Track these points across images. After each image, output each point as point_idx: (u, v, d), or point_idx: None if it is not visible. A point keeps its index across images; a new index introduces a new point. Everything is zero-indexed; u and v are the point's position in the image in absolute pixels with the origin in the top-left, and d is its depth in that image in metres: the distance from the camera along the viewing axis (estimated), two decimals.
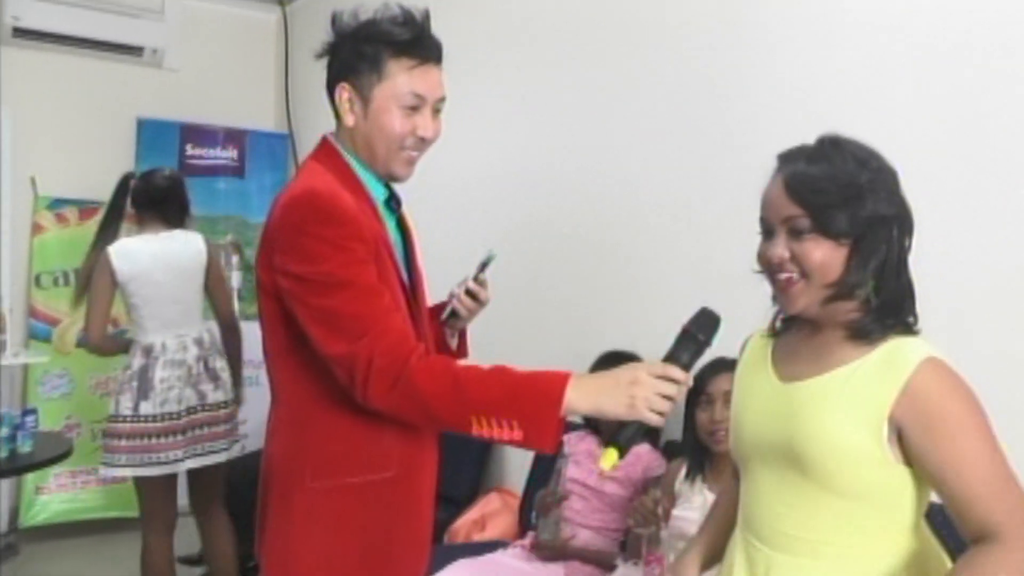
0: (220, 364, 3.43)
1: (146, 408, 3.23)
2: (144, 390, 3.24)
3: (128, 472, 3.26)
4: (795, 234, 1.39)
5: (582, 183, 3.36)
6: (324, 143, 1.76)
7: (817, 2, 2.56)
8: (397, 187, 1.80)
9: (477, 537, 3.32)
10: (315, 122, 5.15)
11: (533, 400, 1.46)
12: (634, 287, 3.15)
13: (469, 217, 3.71)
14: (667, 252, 3.03)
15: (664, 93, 3.03)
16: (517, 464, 3.54)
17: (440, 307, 1.94)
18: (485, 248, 1.95)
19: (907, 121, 2.30)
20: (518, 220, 3.61)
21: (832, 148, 1.41)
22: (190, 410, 3.30)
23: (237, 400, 3.52)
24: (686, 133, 2.95)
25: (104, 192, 4.82)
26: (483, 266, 1.91)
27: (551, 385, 1.47)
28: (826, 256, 1.37)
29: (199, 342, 3.39)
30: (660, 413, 1.44)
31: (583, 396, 1.46)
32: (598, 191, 3.29)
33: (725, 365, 2.29)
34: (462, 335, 1.99)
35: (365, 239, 1.59)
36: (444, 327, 1.94)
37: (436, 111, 1.71)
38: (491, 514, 3.40)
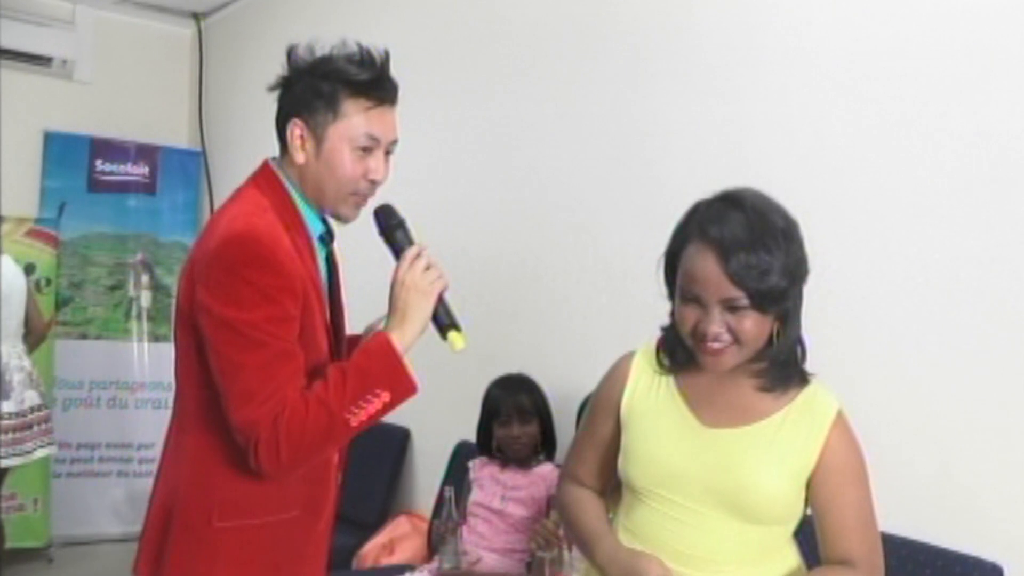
0: None
1: None
2: None
3: None
4: (731, 310, 1.45)
5: (493, 207, 3.40)
6: (265, 169, 1.72)
7: (738, 23, 2.65)
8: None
9: (385, 561, 3.30)
10: (229, 140, 5.10)
11: (377, 363, 1.58)
12: (540, 308, 3.20)
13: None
14: (574, 274, 3.08)
15: (575, 118, 3.09)
16: (426, 487, 3.54)
17: (353, 341, 1.89)
18: None
19: (814, 143, 2.41)
20: (433, 242, 3.63)
21: (753, 214, 1.45)
22: None
23: None
24: (601, 158, 3.01)
25: (8, 206, 4.68)
26: None
27: (379, 344, 1.60)
28: (758, 326, 1.47)
29: None
30: (438, 280, 1.64)
31: (403, 329, 1.61)
32: (509, 215, 3.34)
33: None
34: None
35: (296, 292, 1.57)
36: None
37: (387, 153, 1.70)
38: (400, 538, 3.39)
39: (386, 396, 1.56)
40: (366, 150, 1.66)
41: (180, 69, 5.50)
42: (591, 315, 3.00)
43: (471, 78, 3.50)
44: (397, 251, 1.69)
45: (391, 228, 1.71)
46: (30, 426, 3.49)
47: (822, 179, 2.37)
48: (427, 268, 1.64)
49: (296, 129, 1.66)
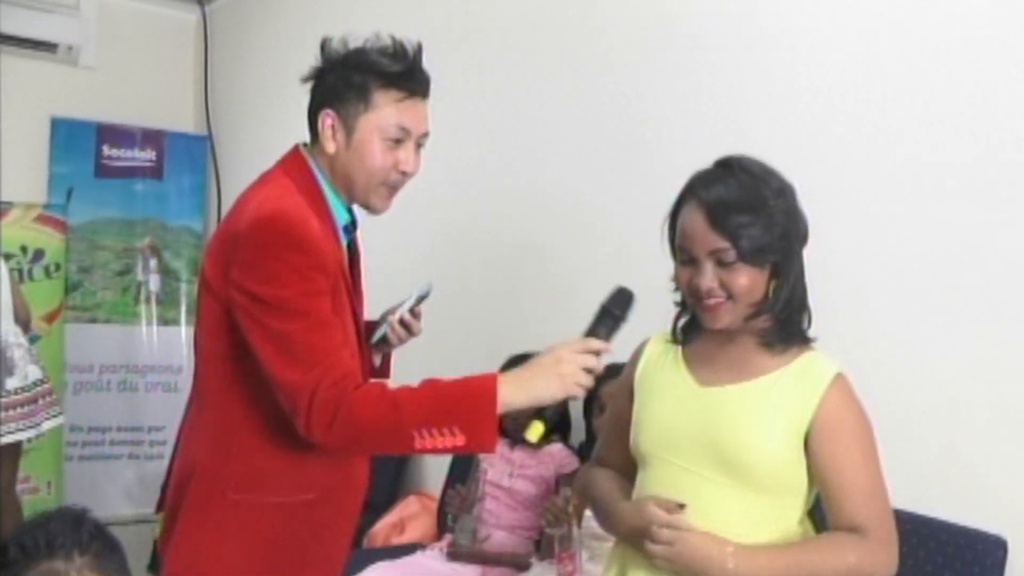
0: None
1: None
2: None
3: None
4: (721, 264, 1.48)
5: (498, 190, 3.42)
6: (295, 154, 1.74)
7: (738, 14, 2.65)
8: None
9: (396, 540, 3.34)
10: (235, 124, 5.11)
11: (470, 404, 1.52)
12: (547, 292, 3.22)
13: (396, 224, 3.73)
14: (579, 258, 3.10)
15: (582, 102, 3.10)
16: (435, 467, 3.57)
17: (370, 327, 1.94)
18: (418, 276, 1.96)
19: (815, 127, 2.43)
20: (443, 228, 3.65)
21: (744, 175, 1.51)
22: None
23: None
24: (602, 143, 3.02)
25: (17, 192, 4.71)
26: (420, 299, 1.92)
27: (483, 386, 1.52)
28: (752, 281, 1.50)
29: None
30: (582, 387, 1.54)
31: (516, 389, 1.53)
32: (514, 198, 3.35)
33: (615, 371, 2.38)
34: (386, 357, 2.00)
35: (327, 270, 1.59)
36: (371, 348, 1.93)
37: (418, 146, 1.71)
38: (410, 517, 3.43)
39: (461, 440, 1.51)
40: (397, 141, 1.67)
41: (185, 54, 5.50)
42: (597, 299, 3.01)
43: (480, 68, 3.51)
44: (592, 331, 1.61)
45: (611, 314, 1.62)
46: (35, 400, 3.54)
47: (825, 157, 2.39)
48: (588, 370, 1.55)
49: (327, 119, 1.68)
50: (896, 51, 2.28)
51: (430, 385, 1.55)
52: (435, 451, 1.54)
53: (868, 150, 2.33)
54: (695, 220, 1.50)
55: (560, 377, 1.53)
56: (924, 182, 2.22)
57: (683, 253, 1.54)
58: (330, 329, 1.58)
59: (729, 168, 1.54)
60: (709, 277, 1.50)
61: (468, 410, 1.51)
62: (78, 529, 1.21)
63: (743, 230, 1.47)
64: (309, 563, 1.72)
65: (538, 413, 1.57)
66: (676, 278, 1.58)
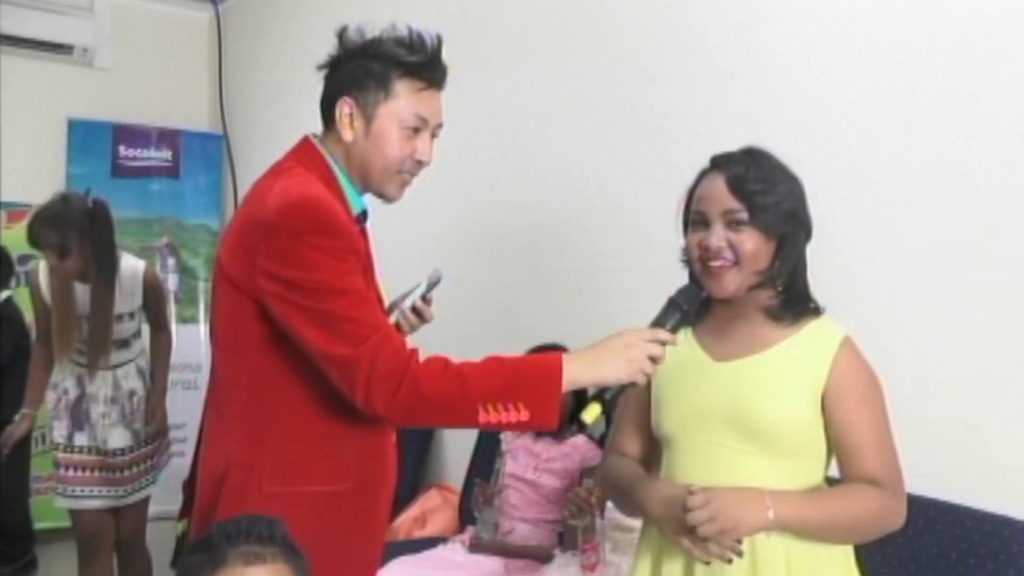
0: None
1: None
2: None
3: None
4: (733, 225, 1.57)
5: (517, 183, 3.42)
6: (307, 144, 1.73)
7: (752, 6, 2.65)
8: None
9: (418, 534, 3.36)
10: (249, 122, 5.13)
11: (536, 380, 1.52)
12: (561, 283, 3.23)
13: (410, 213, 3.74)
14: (594, 248, 3.11)
15: (598, 93, 3.10)
16: (456, 460, 3.59)
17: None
18: (427, 263, 1.96)
19: (829, 118, 2.42)
20: (458, 217, 3.66)
21: (762, 156, 1.62)
22: None
23: None
24: (621, 136, 3.03)
25: (34, 195, 4.73)
26: (431, 286, 1.93)
27: (549, 364, 1.53)
28: (758, 246, 1.57)
29: None
30: (645, 374, 1.55)
31: (583, 368, 1.54)
32: (528, 188, 3.35)
33: None
34: None
35: (358, 252, 1.60)
36: None
37: (433, 136, 1.72)
38: (431, 511, 3.44)
39: (525, 415, 1.51)
40: (415, 131, 1.68)
41: (199, 53, 5.54)
42: (613, 293, 3.02)
43: (498, 60, 3.51)
44: (660, 321, 1.60)
45: (678, 307, 1.60)
46: (160, 448, 3.49)
47: (841, 147, 2.38)
48: (654, 359, 1.55)
49: (345, 107, 1.67)
50: (909, 45, 2.27)
51: (495, 360, 1.55)
52: (499, 426, 1.55)
53: (882, 140, 2.32)
54: (714, 183, 1.60)
55: (628, 362, 1.53)
56: (944, 169, 2.21)
57: (696, 216, 1.62)
58: (372, 305, 1.59)
59: (751, 152, 1.63)
60: (719, 236, 1.57)
61: (534, 386, 1.52)
62: (271, 525, 1.36)
63: (757, 196, 1.56)
64: (348, 556, 1.71)
65: (597, 396, 1.57)
66: (686, 247, 1.66)
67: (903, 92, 2.28)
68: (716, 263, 1.58)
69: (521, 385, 1.52)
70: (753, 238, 1.56)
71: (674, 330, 1.59)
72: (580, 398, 1.63)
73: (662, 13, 2.89)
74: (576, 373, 1.53)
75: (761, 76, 2.60)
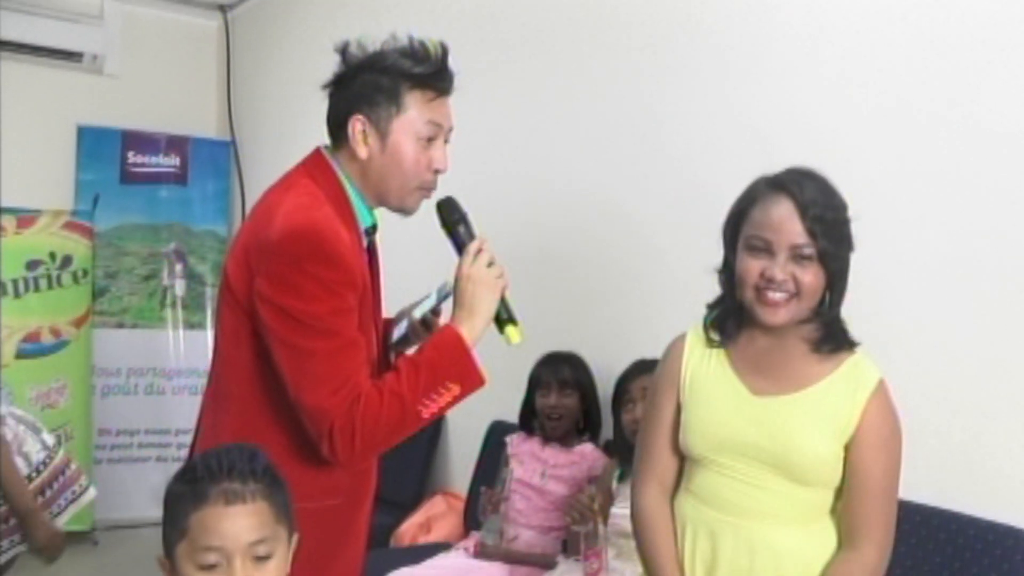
0: None
1: None
2: None
3: None
4: (798, 259, 1.55)
5: (520, 189, 3.44)
6: (318, 157, 1.72)
7: (760, 13, 2.66)
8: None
9: (423, 539, 3.37)
10: (257, 129, 5.16)
11: (449, 356, 1.62)
12: (571, 291, 3.24)
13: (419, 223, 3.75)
14: (603, 257, 3.12)
15: (606, 101, 3.12)
16: (461, 466, 3.60)
17: (386, 324, 1.93)
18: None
19: (836, 126, 2.43)
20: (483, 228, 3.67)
21: (823, 182, 1.60)
22: None
23: None
24: (627, 142, 3.03)
25: (45, 200, 4.77)
26: (443, 298, 1.92)
27: (451, 338, 1.63)
28: (817, 280, 1.58)
29: None
30: (501, 276, 1.68)
31: (471, 322, 1.65)
32: (537, 197, 3.37)
33: (645, 367, 2.40)
34: (398, 354, 1.99)
35: (356, 285, 1.60)
36: (391, 348, 1.93)
37: (445, 141, 1.73)
38: (436, 517, 3.45)
39: (456, 389, 1.61)
40: (429, 140, 1.68)
41: (207, 61, 5.56)
42: (623, 301, 3.03)
43: (503, 68, 3.53)
44: (459, 245, 1.71)
45: (454, 222, 1.74)
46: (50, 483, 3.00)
47: (848, 156, 2.38)
48: (490, 264, 1.67)
49: (358, 124, 1.67)
50: (918, 51, 2.28)
51: (407, 361, 1.62)
52: (441, 412, 1.62)
53: (890, 147, 2.32)
54: (781, 210, 1.56)
55: (487, 287, 1.65)
56: (950, 177, 2.22)
57: (756, 242, 1.58)
58: (355, 349, 1.59)
59: (805, 173, 1.61)
60: (784, 270, 1.55)
61: (450, 362, 1.61)
62: (253, 460, 1.37)
63: (827, 230, 1.55)
64: (337, 565, 1.73)
65: (498, 323, 1.69)
66: (740, 269, 1.61)
67: (909, 97, 2.29)
68: (777, 295, 1.57)
69: (441, 368, 1.60)
70: (814, 272, 1.56)
71: (473, 236, 1.71)
72: None
73: (674, 19, 2.90)
74: (470, 328, 1.64)
75: (771, 83, 2.61)
